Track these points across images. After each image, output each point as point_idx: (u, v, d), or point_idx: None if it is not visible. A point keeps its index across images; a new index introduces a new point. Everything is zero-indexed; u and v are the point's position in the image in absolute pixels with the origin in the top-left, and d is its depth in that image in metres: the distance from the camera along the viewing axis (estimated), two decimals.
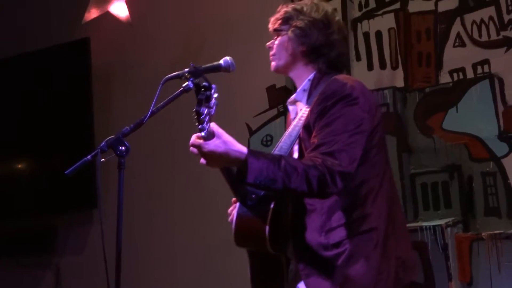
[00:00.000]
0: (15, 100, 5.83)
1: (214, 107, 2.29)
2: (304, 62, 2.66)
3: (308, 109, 2.55)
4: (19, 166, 5.90)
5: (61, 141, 5.53)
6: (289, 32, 2.65)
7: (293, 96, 2.70)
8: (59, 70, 5.66)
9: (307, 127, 2.51)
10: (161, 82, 2.40)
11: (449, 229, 3.88)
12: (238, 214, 2.50)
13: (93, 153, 2.37)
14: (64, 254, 5.68)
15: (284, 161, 2.33)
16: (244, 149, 2.33)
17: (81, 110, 5.49)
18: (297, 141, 2.57)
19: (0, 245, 5.72)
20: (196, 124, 2.29)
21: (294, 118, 2.68)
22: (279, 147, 2.57)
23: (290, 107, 2.74)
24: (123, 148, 2.37)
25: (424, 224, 3.93)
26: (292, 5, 2.72)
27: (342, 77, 2.58)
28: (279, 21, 2.70)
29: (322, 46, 2.65)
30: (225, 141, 2.32)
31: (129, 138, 2.41)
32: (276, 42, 2.69)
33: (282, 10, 2.72)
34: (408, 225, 3.94)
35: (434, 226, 3.87)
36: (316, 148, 2.41)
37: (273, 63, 2.72)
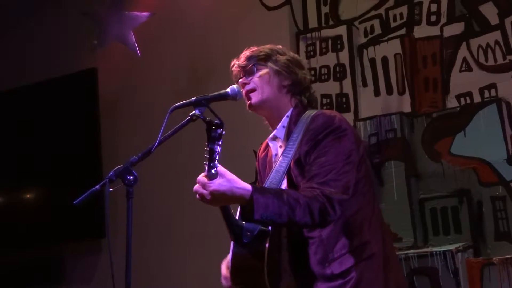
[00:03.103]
0: (23, 129, 5.86)
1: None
2: (286, 97, 2.68)
3: (291, 145, 2.58)
4: (28, 195, 5.91)
5: (69, 170, 5.54)
6: (274, 66, 2.66)
7: (273, 133, 2.71)
8: (67, 100, 5.69)
9: (298, 161, 2.55)
10: (169, 111, 2.41)
11: (459, 254, 3.85)
12: (234, 253, 2.53)
13: (101, 183, 2.37)
14: (72, 284, 5.66)
15: (285, 194, 2.37)
16: (248, 186, 2.35)
17: (89, 140, 5.50)
18: (285, 177, 2.58)
19: (9, 275, 5.71)
20: (207, 162, 2.31)
21: (276, 154, 2.71)
22: (269, 183, 2.58)
23: (271, 144, 2.76)
24: (131, 177, 2.37)
25: (434, 249, 3.91)
26: (262, 47, 2.72)
27: (327, 111, 2.64)
28: (254, 59, 2.68)
29: (303, 81, 2.70)
30: (229, 179, 2.33)
31: (137, 167, 2.41)
32: (256, 78, 2.66)
33: (254, 50, 2.71)
34: (418, 250, 3.94)
35: (444, 251, 3.85)
36: (311, 179, 2.46)
37: (254, 99, 2.67)
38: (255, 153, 4.77)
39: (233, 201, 2.36)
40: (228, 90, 2.58)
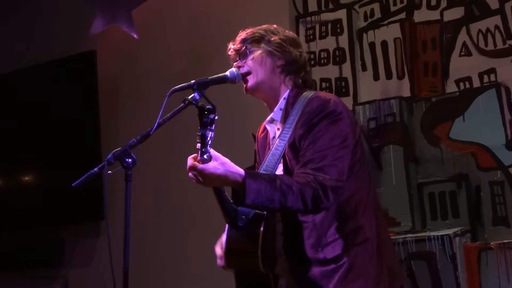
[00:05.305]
0: (22, 112, 5.85)
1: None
2: (281, 78, 2.67)
3: (288, 128, 2.57)
4: (26, 178, 5.92)
5: (68, 153, 5.55)
6: (266, 47, 2.66)
7: (270, 116, 2.71)
8: (66, 82, 5.68)
9: (293, 145, 2.54)
10: (168, 94, 2.41)
11: (457, 238, 3.86)
12: (228, 236, 2.55)
13: (100, 166, 2.37)
14: (71, 266, 5.68)
15: (279, 180, 2.37)
16: (241, 171, 2.36)
17: (88, 123, 5.50)
18: (281, 160, 2.58)
19: (8, 257, 5.73)
20: (199, 147, 2.31)
21: (274, 137, 2.70)
22: (264, 166, 2.57)
23: (268, 127, 2.75)
24: (129, 160, 2.38)
25: (432, 234, 3.91)
26: (257, 28, 2.72)
27: (323, 94, 2.62)
28: (248, 41, 2.68)
29: (298, 60, 2.69)
30: (223, 163, 2.34)
31: (135, 150, 2.42)
32: (250, 60, 2.66)
33: (248, 32, 2.71)
34: (416, 234, 3.96)
35: (442, 236, 3.85)
36: (305, 164, 2.45)
37: (249, 82, 2.66)
38: (254, 137, 4.80)
39: (227, 184, 2.38)
40: (227, 73, 2.60)
